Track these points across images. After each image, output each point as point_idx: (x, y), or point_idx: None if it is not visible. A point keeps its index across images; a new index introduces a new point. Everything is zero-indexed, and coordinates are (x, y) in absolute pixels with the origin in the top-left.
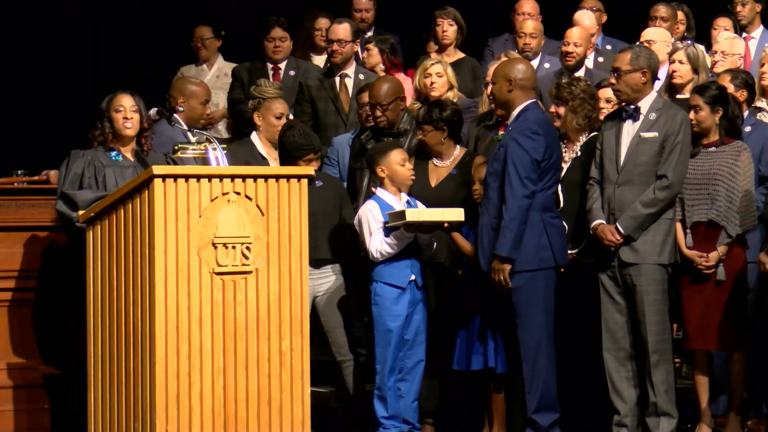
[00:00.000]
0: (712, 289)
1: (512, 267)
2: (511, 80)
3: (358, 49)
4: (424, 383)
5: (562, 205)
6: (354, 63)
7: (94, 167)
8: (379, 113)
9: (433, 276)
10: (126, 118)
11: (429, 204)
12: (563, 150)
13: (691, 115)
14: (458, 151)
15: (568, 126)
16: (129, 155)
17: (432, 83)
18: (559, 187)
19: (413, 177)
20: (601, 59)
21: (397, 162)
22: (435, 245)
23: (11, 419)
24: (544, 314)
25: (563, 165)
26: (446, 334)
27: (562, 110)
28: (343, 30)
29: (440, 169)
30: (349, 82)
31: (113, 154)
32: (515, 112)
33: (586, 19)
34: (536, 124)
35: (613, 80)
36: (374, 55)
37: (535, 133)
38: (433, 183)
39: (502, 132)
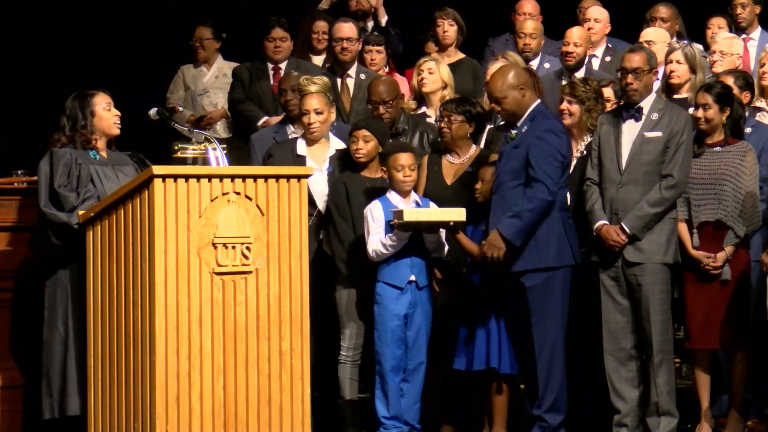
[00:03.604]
0: (717, 289)
1: (531, 264)
2: (520, 86)
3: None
4: (438, 384)
5: (570, 203)
6: (356, 63)
7: (80, 166)
8: (382, 110)
9: (440, 275)
10: (117, 116)
11: (446, 202)
12: None
13: (699, 113)
14: (473, 150)
15: (581, 125)
16: (104, 154)
17: (422, 79)
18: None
19: (409, 184)
20: (608, 58)
21: (396, 166)
22: (447, 248)
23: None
24: (562, 314)
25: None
26: (450, 334)
27: (575, 108)
28: (349, 29)
29: (456, 167)
30: (351, 82)
31: (93, 152)
32: (527, 113)
33: (599, 15)
34: (559, 122)
35: (630, 80)
36: (382, 58)
37: (561, 131)
38: (449, 181)
39: (515, 131)
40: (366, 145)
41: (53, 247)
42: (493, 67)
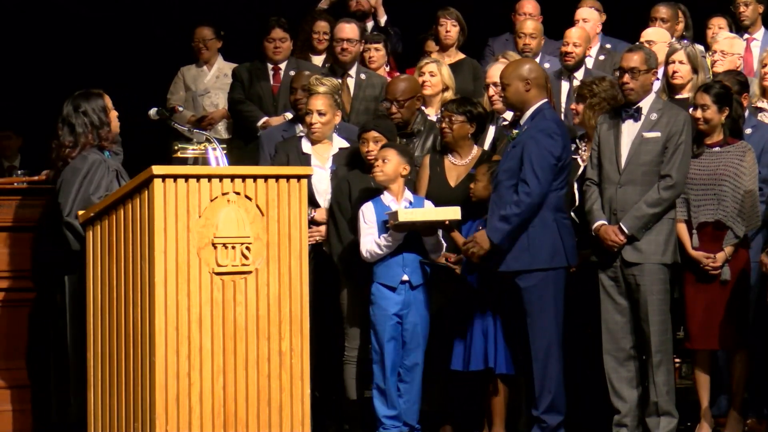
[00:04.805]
0: (716, 289)
1: (525, 266)
2: (527, 80)
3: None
4: (437, 385)
5: (577, 204)
6: (357, 63)
7: (109, 170)
8: (394, 109)
9: (437, 276)
10: (116, 116)
11: (450, 204)
12: (582, 148)
13: (698, 113)
14: (476, 151)
15: (586, 124)
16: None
17: (424, 82)
18: (575, 186)
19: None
20: (602, 57)
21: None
22: (445, 246)
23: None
24: (555, 315)
25: (582, 163)
26: (448, 334)
27: (580, 107)
28: (350, 29)
29: (459, 168)
30: (351, 82)
31: (107, 153)
32: (530, 112)
33: (587, 15)
34: (555, 123)
35: (627, 79)
36: (381, 56)
37: (555, 133)
38: (453, 183)
39: (516, 131)
40: (377, 146)
41: (73, 252)
42: (494, 67)
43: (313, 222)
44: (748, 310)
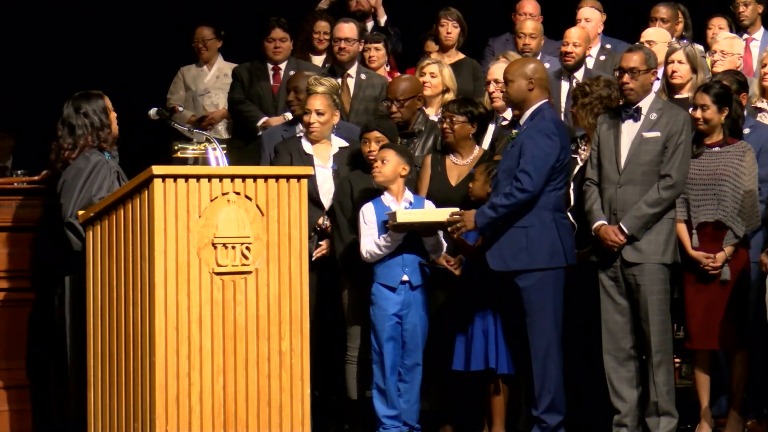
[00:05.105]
0: (716, 289)
1: (524, 265)
2: (531, 79)
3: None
4: (437, 385)
5: (572, 204)
6: (356, 63)
7: (110, 171)
8: (394, 109)
9: (436, 277)
10: (116, 117)
11: (451, 204)
12: (582, 148)
13: (698, 113)
14: (477, 151)
15: (581, 124)
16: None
17: (424, 82)
18: (572, 186)
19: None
20: (602, 57)
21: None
22: (445, 246)
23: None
24: (554, 314)
25: (580, 162)
26: (448, 334)
27: (574, 108)
28: (349, 29)
29: (460, 168)
30: (351, 82)
31: (107, 154)
32: (530, 111)
33: (589, 15)
34: (554, 124)
35: (627, 79)
36: (381, 55)
37: (553, 133)
38: (454, 182)
39: (516, 131)
40: (379, 146)
41: (73, 252)
42: (497, 65)
43: (326, 233)
44: (748, 310)
